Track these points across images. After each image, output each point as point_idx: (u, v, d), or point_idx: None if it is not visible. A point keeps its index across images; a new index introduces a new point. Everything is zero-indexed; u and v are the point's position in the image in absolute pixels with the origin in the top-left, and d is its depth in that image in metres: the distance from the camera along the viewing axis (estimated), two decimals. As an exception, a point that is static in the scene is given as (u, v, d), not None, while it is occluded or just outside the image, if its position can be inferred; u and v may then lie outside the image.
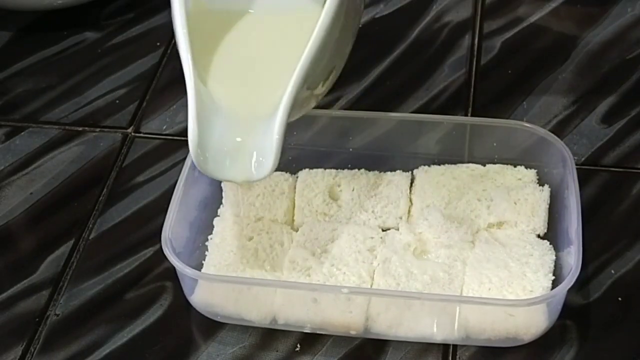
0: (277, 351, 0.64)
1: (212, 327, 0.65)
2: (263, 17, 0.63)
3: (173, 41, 0.88)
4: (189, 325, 0.66)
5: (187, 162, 0.68)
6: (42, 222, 0.74)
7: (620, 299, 0.66)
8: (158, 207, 0.71)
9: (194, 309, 0.66)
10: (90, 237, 0.72)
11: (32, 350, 0.65)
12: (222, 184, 0.70)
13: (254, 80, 0.61)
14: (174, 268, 0.63)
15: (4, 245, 0.72)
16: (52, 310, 0.67)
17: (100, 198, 0.75)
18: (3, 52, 0.89)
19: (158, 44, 0.88)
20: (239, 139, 0.58)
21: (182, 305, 0.66)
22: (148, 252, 0.70)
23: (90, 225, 0.73)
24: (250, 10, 0.63)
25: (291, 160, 0.72)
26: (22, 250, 0.72)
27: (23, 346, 0.65)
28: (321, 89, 0.62)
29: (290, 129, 0.72)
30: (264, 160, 0.57)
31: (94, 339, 0.65)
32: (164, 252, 0.63)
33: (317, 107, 0.78)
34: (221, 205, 0.70)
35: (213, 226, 0.68)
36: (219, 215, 0.69)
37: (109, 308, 0.67)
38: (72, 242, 0.71)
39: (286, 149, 0.72)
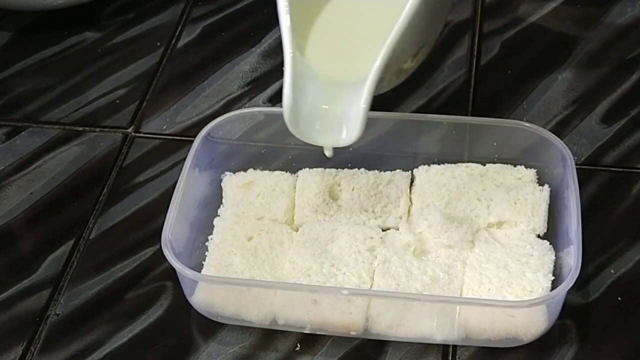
0: (277, 351, 0.64)
1: (212, 326, 0.65)
2: None
3: (173, 41, 0.88)
4: (189, 325, 0.66)
5: (188, 162, 0.68)
6: (43, 221, 0.74)
7: (619, 298, 0.66)
8: (158, 207, 0.71)
9: (194, 308, 0.66)
10: (91, 236, 0.72)
11: (33, 349, 0.65)
12: (222, 183, 0.71)
13: (348, 49, 0.64)
14: (174, 268, 0.63)
15: (4, 245, 0.72)
16: (52, 310, 0.67)
17: (101, 198, 0.75)
18: (3, 52, 0.89)
19: (158, 44, 0.88)
20: (330, 106, 0.61)
21: (182, 305, 0.66)
22: (148, 251, 0.70)
23: (91, 225, 0.73)
24: None
25: (291, 159, 0.72)
26: (22, 250, 0.72)
27: (23, 346, 0.65)
28: (410, 64, 0.65)
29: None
30: (350, 127, 0.60)
31: (95, 339, 0.65)
32: (164, 254, 0.63)
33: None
34: (221, 205, 0.70)
35: (213, 226, 0.69)
36: (219, 215, 0.70)
37: (109, 308, 0.67)
38: (72, 241, 0.72)
39: (287, 149, 0.72)
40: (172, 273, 0.66)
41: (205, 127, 0.71)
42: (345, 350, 0.64)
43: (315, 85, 0.61)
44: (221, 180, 0.71)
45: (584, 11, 0.88)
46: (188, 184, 0.67)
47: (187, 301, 0.66)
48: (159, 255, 0.65)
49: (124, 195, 0.75)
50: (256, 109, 0.74)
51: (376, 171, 0.71)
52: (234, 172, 0.71)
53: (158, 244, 0.64)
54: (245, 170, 0.72)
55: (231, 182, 0.71)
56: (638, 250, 0.68)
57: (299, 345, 0.64)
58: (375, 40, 0.61)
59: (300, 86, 0.60)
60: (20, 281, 0.69)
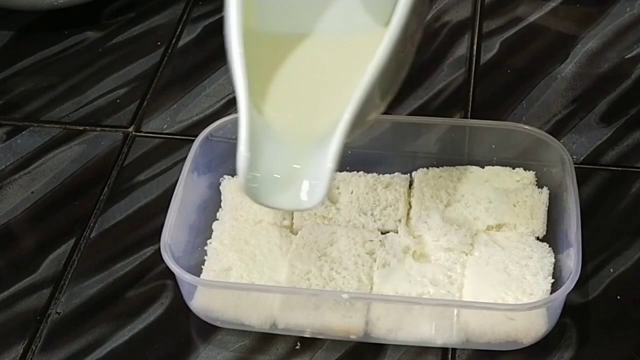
0: (277, 349, 0.64)
1: (212, 325, 0.65)
2: (318, 38, 0.59)
3: (174, 40, 0.88)
4: (189, 324, 0.66)
5: (186, 165, 0.68)
6: (44, 220, 0.74)
7: (619, 297, 0.66)
8: (159, 206, 0.71)
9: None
10: (91, 235, 0.72)
11: (34, 348, 0.65)
12: (221, 187, 0.71)
13: (309, 104, 0.58)
14: (173, 270, 0.63)
15: (5, 244, 0.72)
16: (53, 309, 0.68)
17: (101, 197, 0.75)
18: (4, 51, 0.89)
19: (159, 43, 0.89)
20: (291, 165, 0.55)
21: (182, 304, 0.66)
22: (149, 250, 0.71)
23: (91, 224, 0.73)
24: (304, 31, 0.59)
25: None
26: (23, 249, 0.73)
27: (24, 344, 0.66)
28: (373, 115, 0.58)
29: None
30: (314, 188, 0.54)
31: (95, 337, 0.66)
32: (163, 258, 0.63)
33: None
34: (220, 209, 0.70)
35: (212, 229, 0.68)
36: (217, 219, 0.69)
37: (110, 306, 0.67)
38: (73, 240, 0.72)
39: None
40: (172, 272, 0.66)
41: (204, 131, 0.70)
42: (345, 348, 0.64)
43: (273, 144, 0.55)
44: (220, 184, 0.71)
45: (583, 11, 0.88)
46: (187, 188, 0.67)
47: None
48: (159, 254, 0.65)
49: (125, 195, 0.75)
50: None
51: (375, 174, 0.71)
52: (233, 176, 0.71)
53: (158, 243, 0.64)
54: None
55: (230, 186, 0.70)
56: (637, 249, 0.69)
57: (299, 343, 0.64)
58: (337, 95, 0.55)
59: (258, 145, 0.54)
60: (21, 280, 0.69)
